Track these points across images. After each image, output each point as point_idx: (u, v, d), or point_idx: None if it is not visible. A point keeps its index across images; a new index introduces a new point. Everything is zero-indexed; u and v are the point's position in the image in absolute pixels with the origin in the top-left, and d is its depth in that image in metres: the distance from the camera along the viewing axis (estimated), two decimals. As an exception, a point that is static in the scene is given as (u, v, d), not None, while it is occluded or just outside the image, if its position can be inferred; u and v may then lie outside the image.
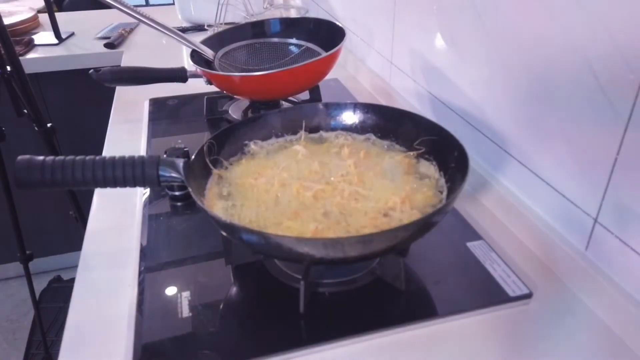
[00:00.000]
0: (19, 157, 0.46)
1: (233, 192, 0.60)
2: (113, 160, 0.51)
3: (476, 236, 0.63)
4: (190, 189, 0.51)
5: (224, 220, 0.48)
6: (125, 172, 0.51)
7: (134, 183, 0.53)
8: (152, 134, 0.92)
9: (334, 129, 0.72)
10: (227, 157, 0.65)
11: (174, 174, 0.54)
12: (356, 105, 0.72)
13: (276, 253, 0.51)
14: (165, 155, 0.76)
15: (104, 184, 0.51)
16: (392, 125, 0.69)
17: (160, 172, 0.53)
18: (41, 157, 0.48)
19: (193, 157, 0.58)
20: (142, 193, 0.74)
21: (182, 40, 0.90)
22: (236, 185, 0.61)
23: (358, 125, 0.71)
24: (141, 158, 0.53)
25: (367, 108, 0.71)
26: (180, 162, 0.54)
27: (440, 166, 0.61)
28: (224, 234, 0.52)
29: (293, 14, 1.65)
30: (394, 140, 0.68)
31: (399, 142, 0.68)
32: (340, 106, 0.72)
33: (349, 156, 0.65)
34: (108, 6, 0.79)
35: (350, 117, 0.71)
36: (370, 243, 0.46)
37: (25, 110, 1.18)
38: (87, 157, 0.50)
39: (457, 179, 0.55)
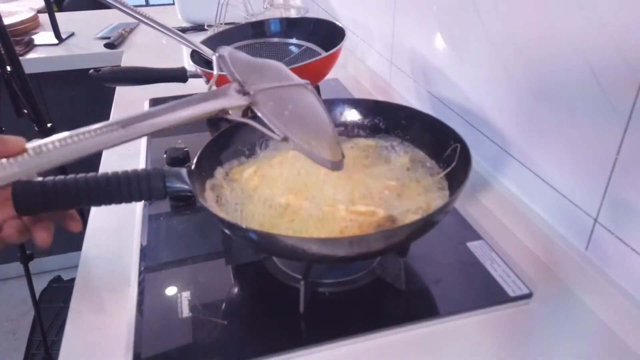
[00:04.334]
0: (16, 182, 0.43)
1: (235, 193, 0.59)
2: (117, 177, 0.47)
3: (476, 236, 0.63)
4: (199, 199, 0.50)
5: (233, 223, 0.48)
6: (130, 188, 0.48)
7: (139, 197, 0.50)
8: (152, 134, 0.91)
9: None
10: (226, 160, 0.64)
11: (180, 185, 0.51)
12: (357, 103, 0.71)
13: (279, 252, 0.51)
14: (165, 155, 0.77)
15: (109, 202, 0.49)
16: (395, 122, 0.69)
17: (167, 185, 0.50)
18: (40, 179, 0.45)
19: (194, 164, 0.57)
20: (142, 193, 0.74)
21: (182, 40, 0.90)
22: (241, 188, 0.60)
23: (358, 124, 0.71)
24: (145, 171, 0.49)
25: (368, 108, 0.71)
26: (184, 172, 0.52)
27: (441, 165, 0.61)
28: (227, 231, 0.52)
29: (293, 14, 1.65)
30: (401, 138, 0.68)
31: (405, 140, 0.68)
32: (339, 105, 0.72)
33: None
34: (108, 6, 0.79)
35: (351, 115, 0.71)
36: (370, 243, 0.46)
37: (25, 110, 1.18)
38: (89, 175, 0.47)
39: (458, 179, 0.55)
